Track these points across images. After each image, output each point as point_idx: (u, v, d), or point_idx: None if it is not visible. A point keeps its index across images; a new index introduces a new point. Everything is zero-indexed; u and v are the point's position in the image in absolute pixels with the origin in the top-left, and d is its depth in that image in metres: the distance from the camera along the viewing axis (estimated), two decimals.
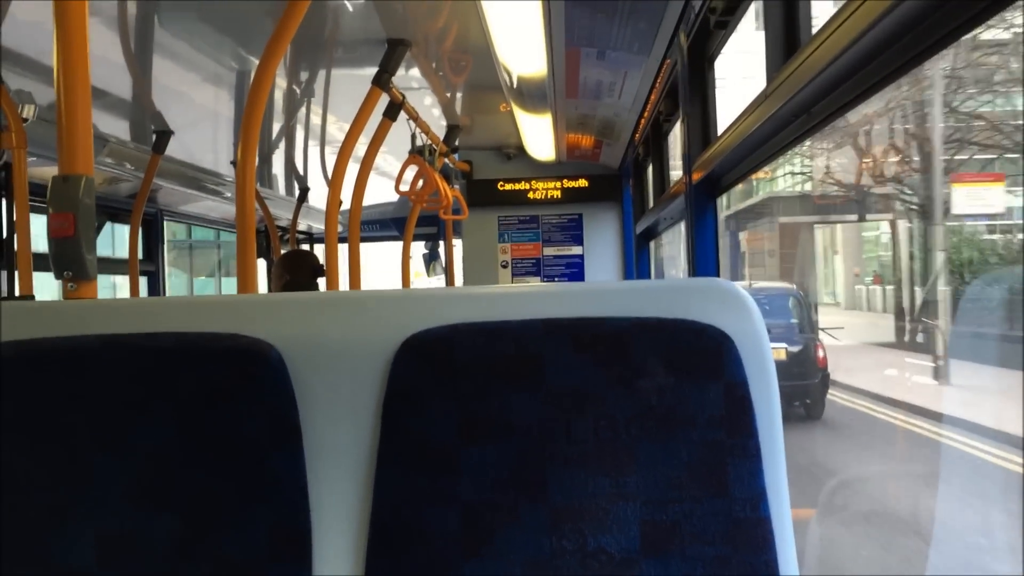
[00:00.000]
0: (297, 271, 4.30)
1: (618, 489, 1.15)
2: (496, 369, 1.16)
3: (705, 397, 1.15)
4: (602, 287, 1.26)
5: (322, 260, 4.23)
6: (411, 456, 1.16)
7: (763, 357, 1.19)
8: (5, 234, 4.06)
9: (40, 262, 3.55)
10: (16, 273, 3.71)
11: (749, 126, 2.26)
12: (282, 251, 7.23)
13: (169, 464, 1.17)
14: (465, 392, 1.16)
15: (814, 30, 1.86)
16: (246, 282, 2.63)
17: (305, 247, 8.74)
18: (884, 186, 9.48)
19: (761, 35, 2.16)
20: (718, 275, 3.15)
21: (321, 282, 4.37)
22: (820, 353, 9.02)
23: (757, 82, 2.15)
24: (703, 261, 3.14)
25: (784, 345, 8.72)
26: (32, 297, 3.01)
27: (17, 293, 3.75)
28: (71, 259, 1.68)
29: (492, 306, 1.22)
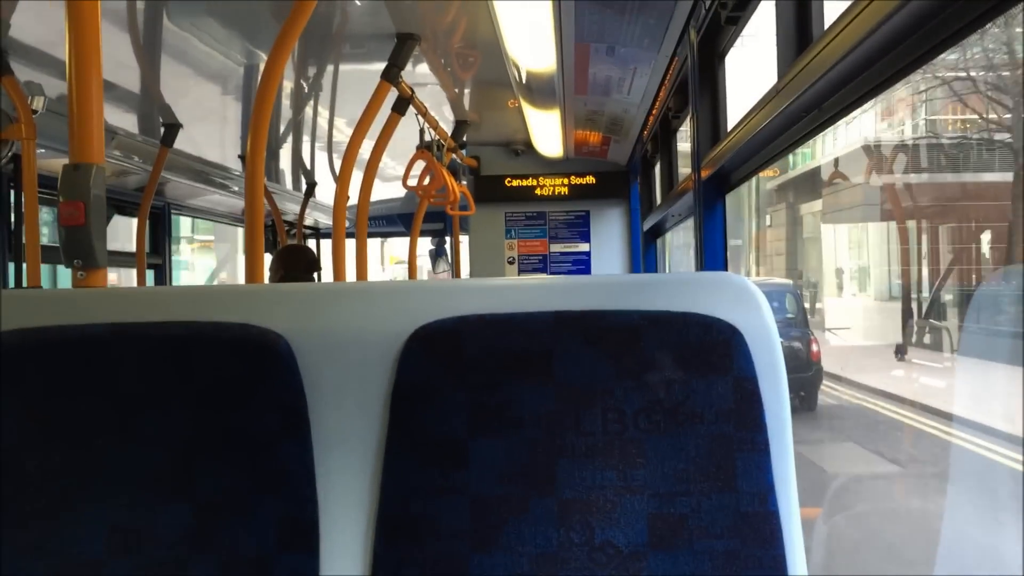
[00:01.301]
0: (292, 266, 4.33)
1: (626, 482, 1.14)
2: (505, 361, 1.16)
3: (714, 391, 1.15)
4: (611, 280, 1.25)
5: (328, 255, 4.24)
6: (419, 448, 1.16)
7: (772, 351, 1.18)
8: (14, 225, 4.07)
9: (48, 254, 3.57)
10: (24, 264, 3.72)
11: (759, 122, 2.25)
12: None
13: (178, 454, 1.16)
14: (474, 384, 1.16)
15: (826, 25, 1.85)
16: (255, 275, 2.64)
17: (312, 242, 8.75)
18: None
19: None
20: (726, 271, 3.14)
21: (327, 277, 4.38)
22: (814, 348, 9.30)
23: None
24: (712, 258, 3.13)
25: (780, 340, 8.93)
26: (40, 288, 3.01)
27: (25, 284, 3.76)
28: (81, 247, 1.68)
29: (501, 298, 1.21)
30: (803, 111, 2.01)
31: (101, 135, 1.72)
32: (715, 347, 1.16)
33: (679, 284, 1.21)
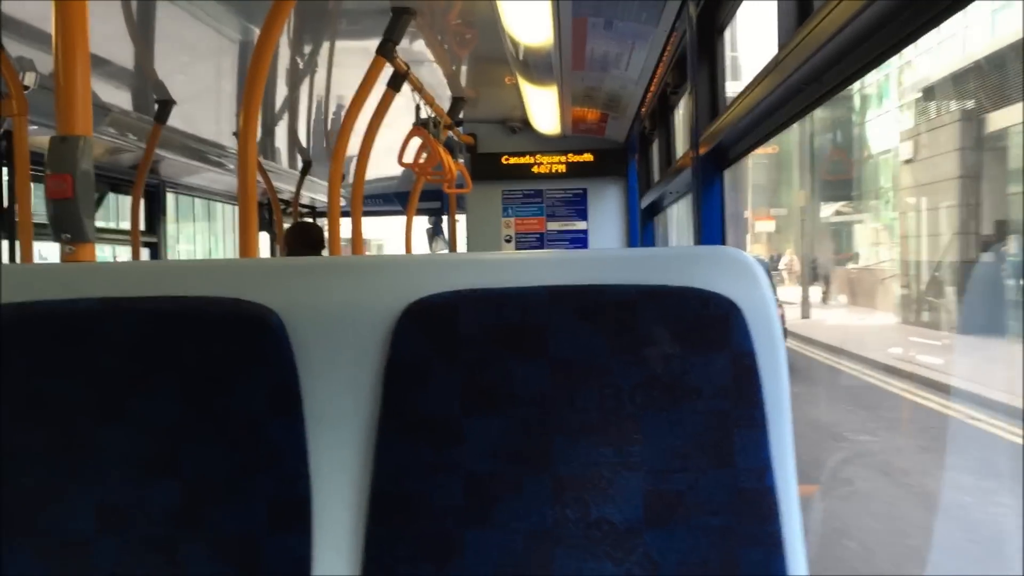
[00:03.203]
0: (293, 244, 4.31)
1: (622, 459, 1.13)
2: (499, 337, 1.15)
3: (711, 367, 1.13)
4: (608, 254, 1.23)
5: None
6: (413, 424, 1.15)
7: (771, 326, 1.17)
8: (6, 203, 4.05)
9: (42, 231, 3.55)
10: (17, 241, 3.71)
11: (758, 96, 2.23)
12: (284, 224, 7.23)
13: (168, 431, 1.15)
14: (468, 360, 1.14)
15: None
16: (248, 252, 2.62)
17: (308, 220, 8.73)
18: None
19: None
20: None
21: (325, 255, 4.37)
22: (780, 311, 9.91)
23: None
24: (709, 235, 3.12)
25: None
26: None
27: (18, 261, 3.74)
28: (69, 221, 1.66)
29: (496, 273, 1.19)
30: (803, 83, 1.98)
31: (88, 107, 1.70)
32: (713, 322, 1.14)
33: (676, 258, 1.20)
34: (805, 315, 15.11)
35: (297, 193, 7.42)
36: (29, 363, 1.16)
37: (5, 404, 1.15)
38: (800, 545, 1.16)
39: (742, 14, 2.97)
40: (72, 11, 1.69)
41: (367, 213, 4.61)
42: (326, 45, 4.37)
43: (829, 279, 16.85)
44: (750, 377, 1.14)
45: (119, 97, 4.55)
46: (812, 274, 16.30)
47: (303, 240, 4.36)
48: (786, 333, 9.87)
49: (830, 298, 16.38)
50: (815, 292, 15.95)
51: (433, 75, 4.93)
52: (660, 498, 1.13)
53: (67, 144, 1.64)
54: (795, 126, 2.78)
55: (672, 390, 1.13)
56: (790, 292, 16.61)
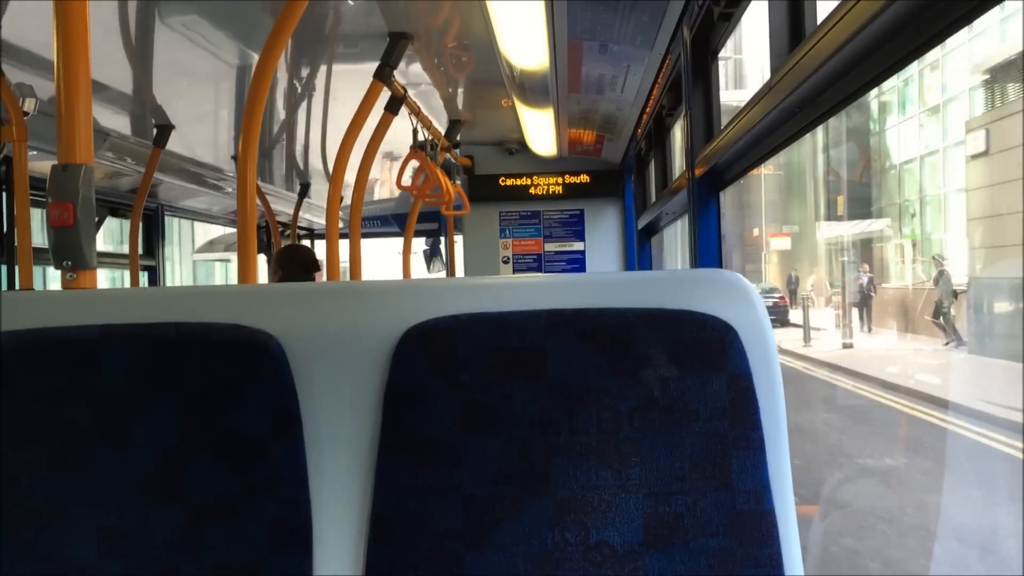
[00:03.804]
0: (289, 266, 4.27)
1: (621, 481, 1.14)
2: (498, 360, 1.15)
3: (708, 388, 1.14)
4: (605, 278, 1.25)
5: (322, 256, 4.22)
6: (413, 447, 1.15)
7: (767, 348, 1.18)
8: (6, 228, 4.06)
9: (41, 256, 3.56)
10: (17, 267, 3.71)
11: (753, 119, 2.25)
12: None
13: (170, 456, 1.16)
14: (467, 383, 1.15)
15: (819, 20, 1.85)
16: (247, 276, 2.63)
17: (306, 243, 8.74)
18: None
19: None
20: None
21: (320, 277, 4.36)
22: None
23: None
24: (706, 256, 3.13)
25: None
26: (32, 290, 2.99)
27: (18, 287, 3.75)
28: (70, 249, 1.67)
29: (494, 297, 1.21)
30: (796, 107, 2.01)
31: (89, 135, 1.72)
32: (709, 344, 1.15)
33: (673, 281, 1.21)
34: (847, 343, 13.98)
35: (295, 216, 7.44)
36: (32, 389, 1.16)
37: (8, 429, 1.15)
38: (799, 567, 1.16)
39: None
40: (74, 41, 1.71)
41: (365, 235, 4.61)
42: (323, 69, 4.40)
43: (869, 302, 15.32)
44: (747, 399, 1.15)
45: (118, 122, 4.57)
46: (851, 297, 15.25)
47: (295, 262, 4.33)
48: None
49: (877, 323, 15.10)
50: (849, 318, 15.00)
51: (430, 98, 4.96)
52: (659, 520, 1.13)
53: (68, 172, 1.65)
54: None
55: (670, 412, 1.14)
56: (824, 318, 15.48)
